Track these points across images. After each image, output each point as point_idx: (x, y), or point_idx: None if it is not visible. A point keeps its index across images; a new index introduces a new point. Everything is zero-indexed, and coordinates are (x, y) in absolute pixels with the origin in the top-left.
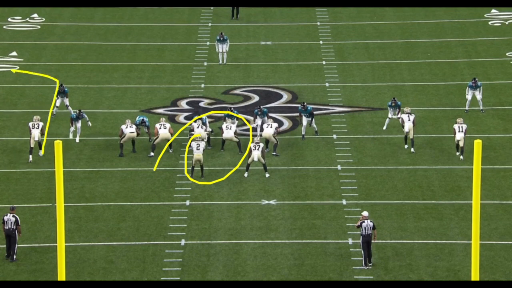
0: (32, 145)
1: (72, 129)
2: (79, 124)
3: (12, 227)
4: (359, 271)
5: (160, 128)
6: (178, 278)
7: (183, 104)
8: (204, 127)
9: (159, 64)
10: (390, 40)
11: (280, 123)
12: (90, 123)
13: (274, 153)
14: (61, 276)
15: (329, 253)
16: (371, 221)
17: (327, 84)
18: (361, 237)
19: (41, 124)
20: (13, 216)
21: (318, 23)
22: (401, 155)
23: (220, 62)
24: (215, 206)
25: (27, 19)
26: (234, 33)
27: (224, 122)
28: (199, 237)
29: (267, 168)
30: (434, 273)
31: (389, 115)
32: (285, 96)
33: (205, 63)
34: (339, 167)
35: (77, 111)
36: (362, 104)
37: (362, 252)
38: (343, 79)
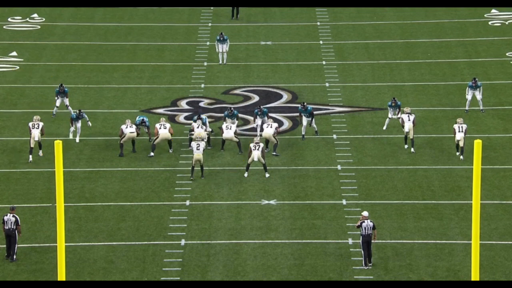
0: (32, 145)
1: (72, 129)
2: (79, 124)
3: (12, 227)
4: (359, 271)
5: (160, 128)
6: (178, 278)
7: (183, 104)
8: (204, 127)
9: (159, 64)
10: (390, 40)
11: (280, 123)
12: (90, 123)
13: (274, 153)
14: (61, 276)
15: (329, 253)
16: (371, 221)
17: (327, 84)
18: (361, 237)
19: (41, 124)
20: (13, 216)
21: (318, 23)
22: (401, 155)
23: (220, 62)
24: (215, 206)
25: (27, 19)
26: (234, 33)
27: (224, 122)
28: (199, 237)
29: (267, 168)
30: (434, 273)
31: (389, 115)
32: (285, 96)
33: (205, 63)
34: (339, 167)
35: (77, 111)
36: (362, 104)
37: (362, 252)
38: (343, 79)
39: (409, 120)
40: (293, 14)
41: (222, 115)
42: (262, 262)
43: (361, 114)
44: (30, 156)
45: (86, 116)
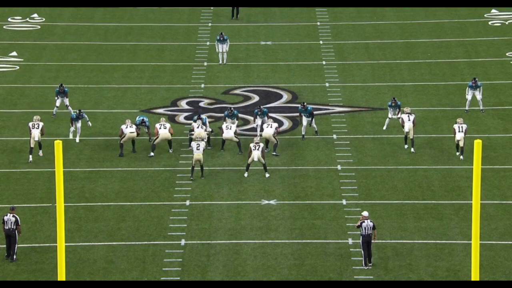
0: (32, 145)
1: (72, 129)
2: (79, 124)
3: (12, 227)
4: (359, 271)
5: (160, 128)
6: (178, 278)
7: (183, 104)
8: (204, 127)
9: (159, 64)
10: (390, 40)
11: (280, 123)
12: (90, 123)
13: (274, 153)
14: (61, 276)
15: (329, 253)
16: (371, 221)
17: (327, 84)
18: (361, 237)
19: (41, 124)
20: (13, 216)
21: (318, 23)
22: (401, 155)
23: (220, 62)
24: (215, 206)
25: (27, 19)
26: (234, 33)
27: (224, 122)
28: (199, 237)
29: (267, 168)
30: (434, 273)
31: (389, 115)
32: (285, 96)
33: (205, 63)
34: (339, 167)
35: (77, 111)
36: (362, 104)
37: (362, 252)
38: (343, 79)
39: (409, 120)
40: (293, 14)
41: (222, 115)
42: (262, 262)
43: (361, 114)
44: (30, 156)
45: (86, 116)
